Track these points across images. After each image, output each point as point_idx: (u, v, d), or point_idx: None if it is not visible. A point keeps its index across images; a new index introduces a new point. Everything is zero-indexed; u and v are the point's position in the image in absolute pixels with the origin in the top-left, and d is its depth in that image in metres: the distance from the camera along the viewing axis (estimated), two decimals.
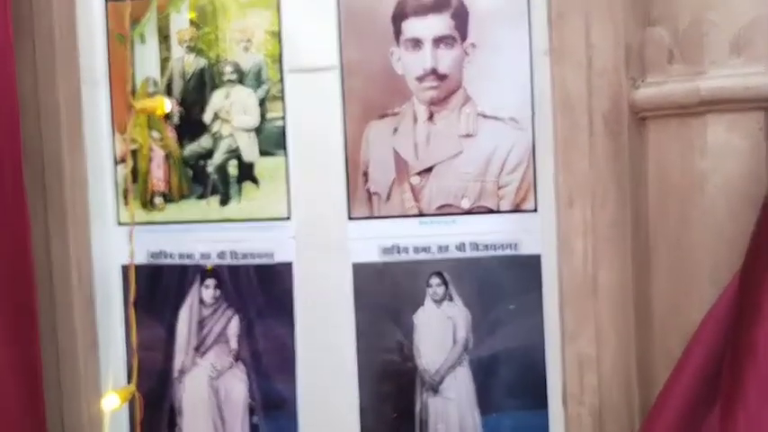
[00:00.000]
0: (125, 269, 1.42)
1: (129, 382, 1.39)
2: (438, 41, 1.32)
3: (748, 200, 1.10)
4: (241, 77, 1.38)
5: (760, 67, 1.10)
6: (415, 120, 1.33)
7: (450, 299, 1.34)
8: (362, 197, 1.36)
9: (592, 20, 1.22)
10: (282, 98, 1.36)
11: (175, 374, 1.43)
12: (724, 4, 1.11)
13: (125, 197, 1.43)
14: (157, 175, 1.42)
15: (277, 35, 1.36)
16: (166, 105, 1.35)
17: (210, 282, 1.41)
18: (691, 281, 1.16)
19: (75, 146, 1.39)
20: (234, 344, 1.41)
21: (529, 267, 1.31)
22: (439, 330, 1.34)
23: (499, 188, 1.32)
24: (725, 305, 1.08)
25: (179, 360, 1.43)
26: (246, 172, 1.39)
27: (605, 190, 1.23)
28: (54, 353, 1.39)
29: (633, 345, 1.23)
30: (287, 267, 1.38)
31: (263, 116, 1.37)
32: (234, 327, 1.41)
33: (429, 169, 1.33)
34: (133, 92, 1.39)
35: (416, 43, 1.32)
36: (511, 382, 1.32)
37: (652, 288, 1.21)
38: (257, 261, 1.39)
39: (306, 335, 1.38)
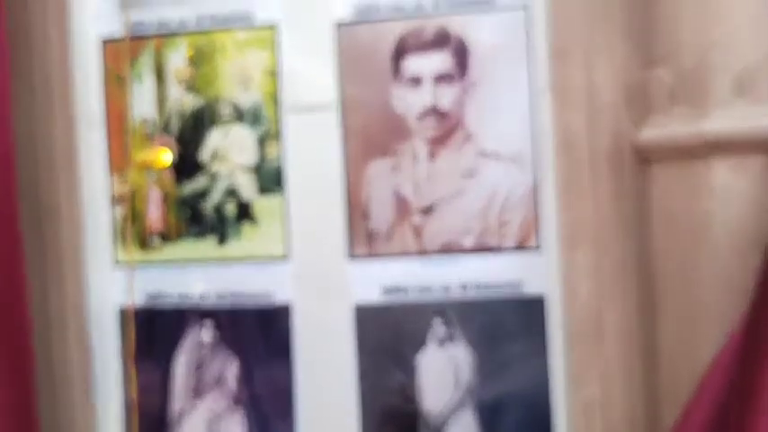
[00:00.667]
0: (123, 311, 1.40)
1: None
2: (438, 79, 1.30)
3: (754, 242, 1.09)
4: (239, 116, 1.36)
5: (764, 108, 1.09)
6: (416, 158, 1.32)
7: (453, 340, 1.32)
8: (363, 236, 1.34)
9: (592, 58, 1.21)
10: (280, 137, 1.35)
11: (174, 418, 1.40)
12: (727, 45, 1.10)
13: (122, 237, 1.41)
14: (154, 215, 1.40)
15: (275, 74, 1.35)
16: (166, 158, 1.33)
17: (209, 323, 1.39)
18: (698, 323, 1.14)
19: (71, 187, 1.37)
20: (233, 386, 1.38)
21: (533, 308, 1.28)
22: (442, 372, 1.32)
23: (501, 226, 1.30)
24: (731, 352, 1.07)
25: (177, 403, 1.40)
26: (245, 211, 1.37)
27: (609, 230, 1.21)
28: (51, 397, 1.36)
29: (640, 388, 1.21)
30: (286, 308, 1.36)
31: (261, 155, 1.36)
32: (233, 369, 1.38)
33: (430, 208, 1.32)
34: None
35: (416, 81, 1.31)
36: (516, 426, 1.29)
37: (658, 330, 1.19)
38: (256, 301, 1.37)
39: (306, 376, 1.36)
